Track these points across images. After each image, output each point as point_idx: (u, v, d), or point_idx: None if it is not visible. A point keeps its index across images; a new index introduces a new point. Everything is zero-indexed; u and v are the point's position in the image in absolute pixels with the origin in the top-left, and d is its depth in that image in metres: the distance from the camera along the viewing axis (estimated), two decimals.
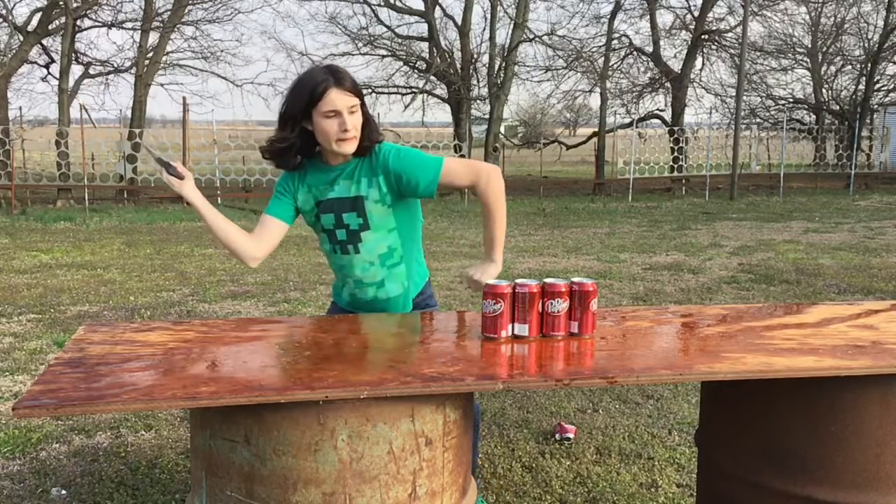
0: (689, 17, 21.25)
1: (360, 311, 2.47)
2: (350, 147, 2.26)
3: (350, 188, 2.33)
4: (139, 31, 17.23)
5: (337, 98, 2.20)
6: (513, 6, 19.19)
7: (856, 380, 1.86)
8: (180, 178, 2.25)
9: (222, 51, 19.48)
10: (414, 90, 19.82)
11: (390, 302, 2.45)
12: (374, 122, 2.34)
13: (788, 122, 21.96)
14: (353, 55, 19.80)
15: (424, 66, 19.77)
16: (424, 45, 20.17)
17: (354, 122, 2.24)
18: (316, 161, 2.38)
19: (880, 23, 22.07)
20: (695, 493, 2.67)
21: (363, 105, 2.30)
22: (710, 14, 20.83)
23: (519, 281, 2.10)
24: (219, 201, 15.71)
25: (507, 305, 2.06)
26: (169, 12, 17.68)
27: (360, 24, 20.65)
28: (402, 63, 20.12)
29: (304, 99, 2.22)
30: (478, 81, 19.84)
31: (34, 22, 16.55)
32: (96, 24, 17.69)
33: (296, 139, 2.28)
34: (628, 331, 2.19)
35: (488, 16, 19.46)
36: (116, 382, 1.69)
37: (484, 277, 2.34)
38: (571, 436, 3.63)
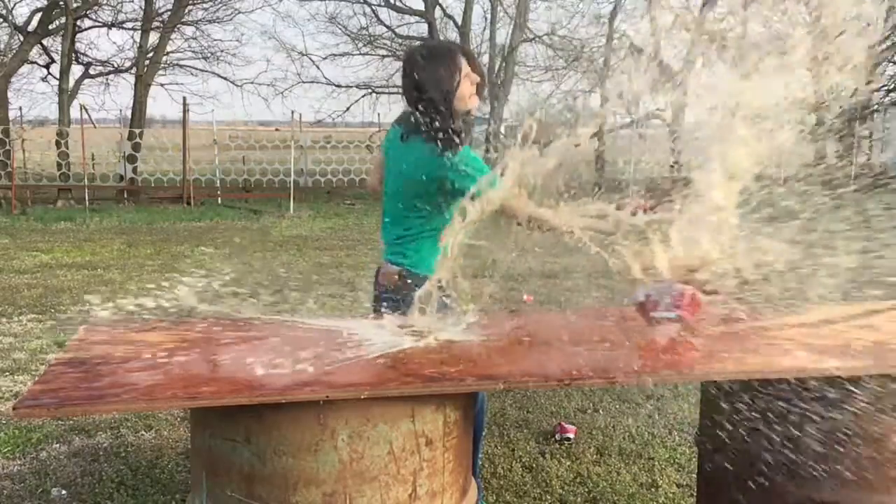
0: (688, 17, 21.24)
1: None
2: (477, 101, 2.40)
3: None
4: (139, 31, 17.24)
5: (461, 63, 2.34)
6: (513, 6, 19.16)
7: (855, 380, 1.86)
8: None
9: (222, 51, 19.39)
10: None
11: None
12: None
13: None
14: (353, 55, 19.82)
15: None
16: None
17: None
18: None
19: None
20: (695, 493, 2.67)
21: None
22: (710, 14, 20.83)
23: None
24: (219, 201, 15.71)
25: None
26: (169, 12, 17.68)
27: (360, 24, 20.57)
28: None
29: (454, 72, 2.30)
30: None
31: (34, 22, 16.55)
32: (96, 24, 17.72)
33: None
34: (629, 331, 2.19)
35: (488, 16, 19.46)
36: (117, 382, 1.69)
37: None
38: (571, 436, 3.63)
